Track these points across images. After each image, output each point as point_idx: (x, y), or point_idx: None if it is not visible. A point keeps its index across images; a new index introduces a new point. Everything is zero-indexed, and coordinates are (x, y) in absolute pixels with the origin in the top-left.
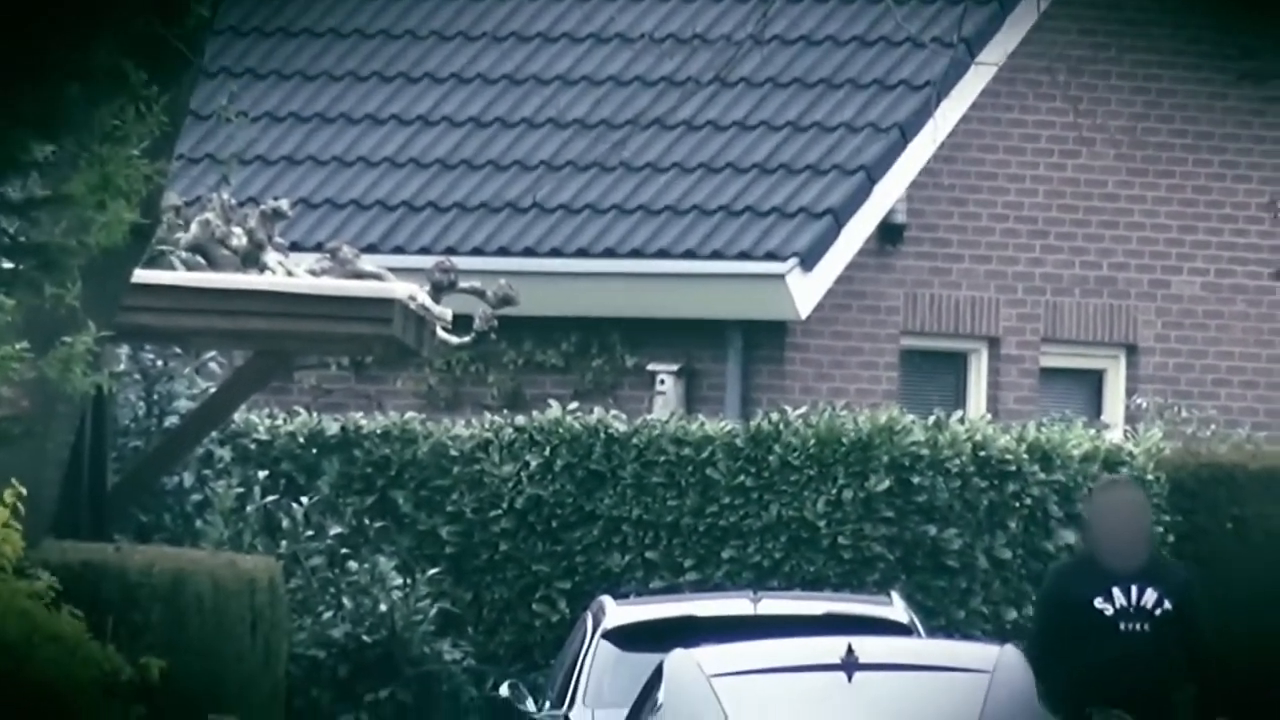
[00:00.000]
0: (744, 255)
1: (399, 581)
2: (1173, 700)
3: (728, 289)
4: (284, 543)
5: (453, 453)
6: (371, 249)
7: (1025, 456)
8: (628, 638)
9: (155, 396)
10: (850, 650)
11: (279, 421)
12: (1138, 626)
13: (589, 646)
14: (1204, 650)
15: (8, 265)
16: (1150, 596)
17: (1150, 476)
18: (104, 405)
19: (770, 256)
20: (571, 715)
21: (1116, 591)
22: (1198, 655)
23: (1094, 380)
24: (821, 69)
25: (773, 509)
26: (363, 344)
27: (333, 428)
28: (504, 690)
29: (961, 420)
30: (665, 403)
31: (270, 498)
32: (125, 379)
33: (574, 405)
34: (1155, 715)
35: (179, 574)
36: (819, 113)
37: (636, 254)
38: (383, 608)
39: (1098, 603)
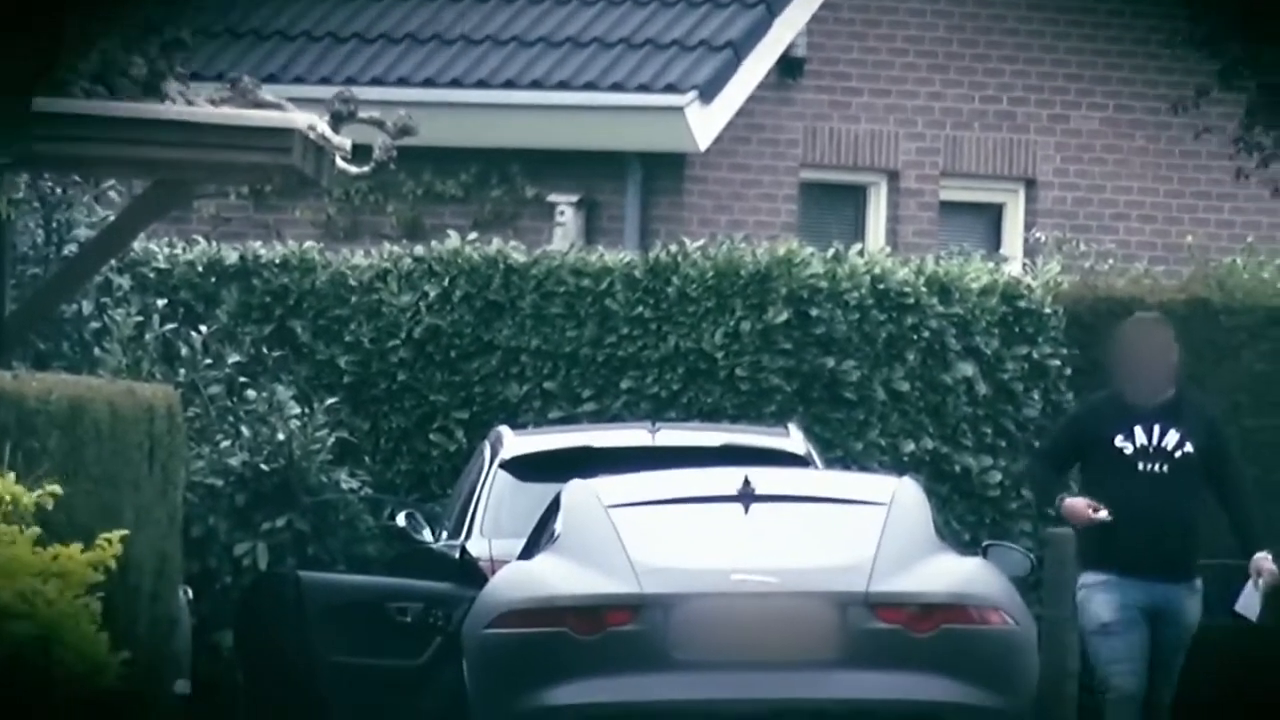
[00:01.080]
0: (644, 88)
1: (297, 410)
2: (1192, 555)
3: (627, 121)
4: (182, 371)
5: (351, 282)
6: (272, 79)
7: (924, 289)
8: (525, 468)
9: (54, 224)
10: (747, 482)
11: (178, 250)
12: (1156, 467)
13: (486, 477)
14: (1239, 497)
15: None
16: (1172, 438)
17: (1048, 310)
18: (2, 233)
19: (670, 89)
20: (468, 545)
21: (1139, 430)
22: (1230, 501)
23: (993, 214)
24: None
25: (671, 340)
26: (262, 173)
27: (231, 257)
28: (401, 520)
29: (860, 253)
30: (564, 234)
31: (169, 326)
32: (24, 207)
33: (473, 236)
34: (1170, 559)
35: (77, 401)
36: None
37: (537, 85)
38: (280, 436)
39: (1118, 440)
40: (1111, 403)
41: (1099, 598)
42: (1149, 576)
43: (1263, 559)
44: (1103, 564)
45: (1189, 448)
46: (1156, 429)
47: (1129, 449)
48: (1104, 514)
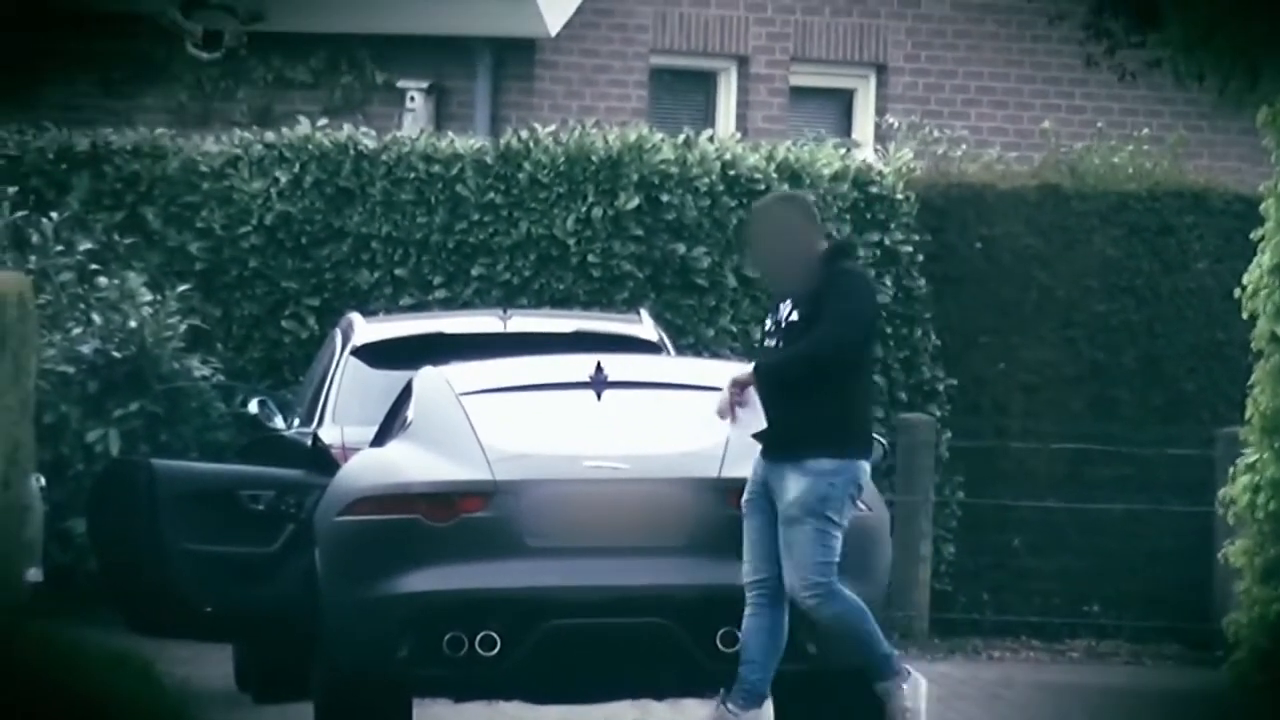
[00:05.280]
0: None
1: (148, 298)
2: (794, 432)
3: (477, 6)
4: (33, 258)
5: (202, 169)
6: None
7: (775, 175)
8: (377, 355)
9: None
10: (599, 368)
11: (28, 136)
12: (772, 343)
13: (338, 364)
14: (802, 347)
15: None
16: (794, 312)
17: (900, 196)
18: None
19: None
20: (320, 433)
21: (782, 308)
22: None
23: (844, 100)
24: None
25: (522, 226)
26: (112, 59)
27: (82, 144)
28: (253, 407)
29: (711, 139)
30: (415, 120)
31: (19, 213)
32: None
33: (323, 122)
34: (774, 436)
35: None
36: None
37: None
38: (132, 324)
39: (768, 321)
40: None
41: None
42: (765, 455)
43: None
44: None
45: (795, 315)
46: (785, 309)
47: (767, 325)
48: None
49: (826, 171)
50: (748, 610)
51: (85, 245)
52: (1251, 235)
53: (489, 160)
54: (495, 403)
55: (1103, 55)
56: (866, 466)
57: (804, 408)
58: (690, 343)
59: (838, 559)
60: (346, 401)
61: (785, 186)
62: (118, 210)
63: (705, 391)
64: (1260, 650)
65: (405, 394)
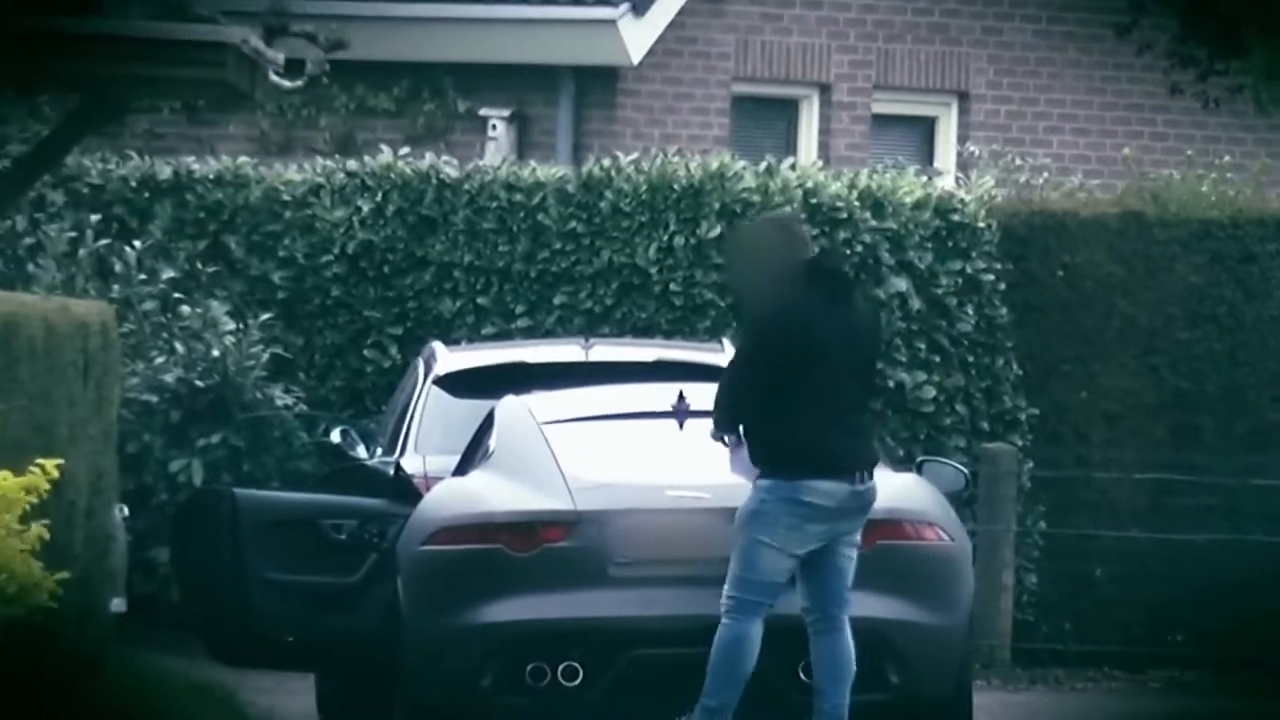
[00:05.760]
0: (576, 0)
1: (231, 326)
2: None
3: (560, 34)
4: (116, 287)
5: (285, 197)
6: None
7: (856, 204)
8: (459, 384)
9: None
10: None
11: (111, 165)
12: None
13: (420, 393)
14: None
15: None
16: None
17: (981, 224)
18: None
19: (602, 2)
20: (402, 462)
21: None
22: None
23: (926, 127)
24: None
25: (604, 255)
26: (195, 88)
27: (165, 172)
28: (335, 436)
29: (793, 167)
30: (497, 148)
31: (103, 241)
32: None
33: (405, 150)
34: None
35: (11, 318)
36: None
37: None
38: (215, 353)
39: None
40: None
41: None
42: None
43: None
44: None
45: None
46: None
47: None
48: None
49: (908, 199)
50: (810, 640)
51: (168, 274)
52: None
53: (571, 189)
54: (577, 432)
55: (1188, 82)
56: (814, 485)
57: (748, 433)
58: None
59: (766, 579)
60: (429, 431)
61: (868, 215)
62: (200, 239)
63: None
64: None
65: (487, 423)
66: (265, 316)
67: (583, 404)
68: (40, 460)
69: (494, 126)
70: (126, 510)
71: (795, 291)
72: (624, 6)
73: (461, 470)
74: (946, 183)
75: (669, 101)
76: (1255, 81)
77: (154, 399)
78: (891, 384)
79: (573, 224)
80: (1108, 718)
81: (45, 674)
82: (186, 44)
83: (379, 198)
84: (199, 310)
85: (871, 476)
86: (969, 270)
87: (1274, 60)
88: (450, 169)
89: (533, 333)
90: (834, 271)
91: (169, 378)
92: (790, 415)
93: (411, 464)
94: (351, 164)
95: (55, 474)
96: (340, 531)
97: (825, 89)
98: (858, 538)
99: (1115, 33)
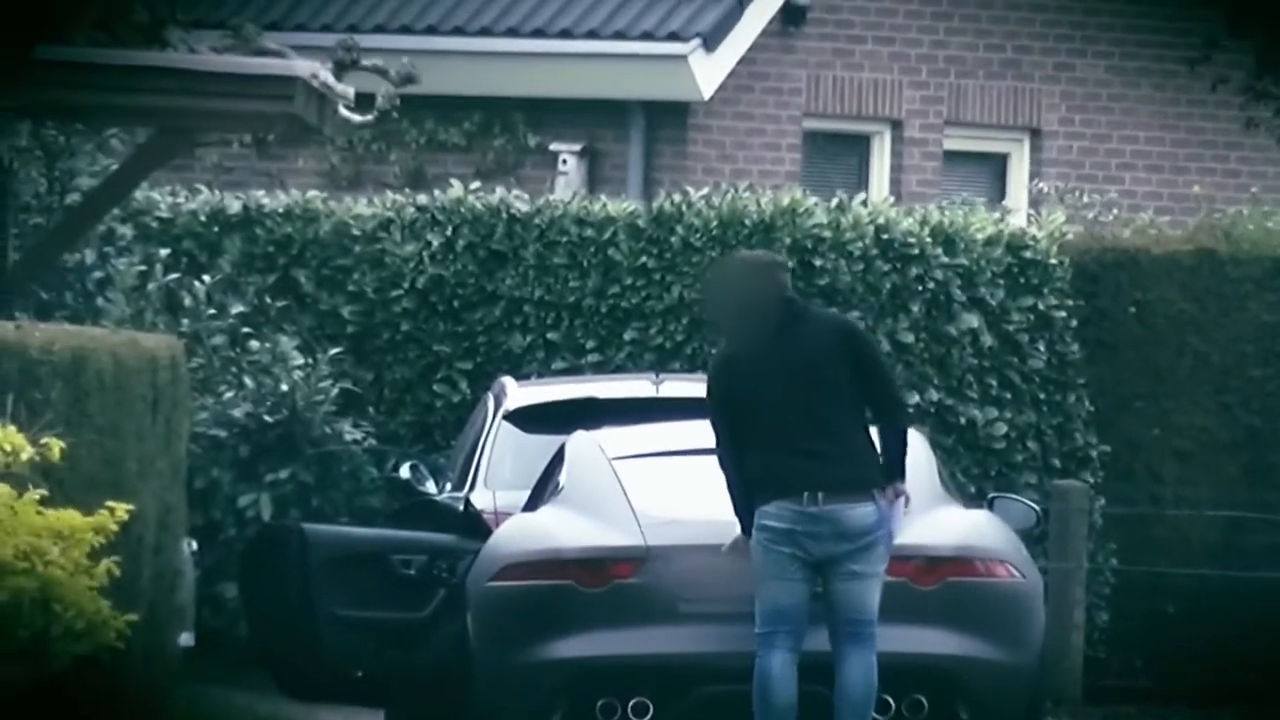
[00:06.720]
0: (647, 35)
1: (300, 361)
2: None
3: (630, 69)
4: (185, 321)
5: (354, 231)
6: (274, 26)
7: (928, 240)
8: (529, 419)
9: (57, 173)
10: None
11: (181, 199)
12: None
13: (490, 428)
14: None
15: None
16: None
17: (1053, 261)
18: (5, 181)
19: (673, 37)
20: (472, 497)
21: None
22: None
23: (997, 164)
24: None
25: (675, 290)
26: (264, 121)
27: (234, 205)
28: (405, 471)
29: (864, 203)
30: (567, 183)
31: (172, 275)
32: (26, 156)
33: (476, 185)
34: None
35: (80, 352)
36: None
37: (540, 34)
38: (284, 387)
39: None
40: None
41: None
42: None
43: None
44: None
45: None
46: None
47: None
48: None
49: (980, 236)
50: None
51: (237, 308)
52: None
53: (641, 223)
54: (648, 468)
55: (1265, 118)
56: (765, 509)
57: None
58: None
59: (768, 607)
60: (498, 466)
61: (940, 252)
62: (270, 273)
63: None
64: None
65: (558, 459)
66: (334, 351)
67: (653, 440)
68: (110, 503)
69: (564, 161)
70: (195, 545)
71: (734, 333)
72: (695, 41)
73: (531, 506)
74: (1018, 220)
75: (740, 137)
76: None
77: (222, 434)
78: (963, 421)
79: (643, 259)
80: None
81: (113, 711)
82: (255, 78)
83: (449, 232)
84: (268, 345)
85: (840, 496)
86: (1041, 307)
87: None
88: (520, 204)
89: (603, 368)
90: (776, 303)
91: (238, 412)
92: (748, 450)
93: (481, 499)
94: (422, 198)
95: (124, 516)
96: (409, 567)
97: (897, 125)
98: (858, 566)
99: (1188, 66)
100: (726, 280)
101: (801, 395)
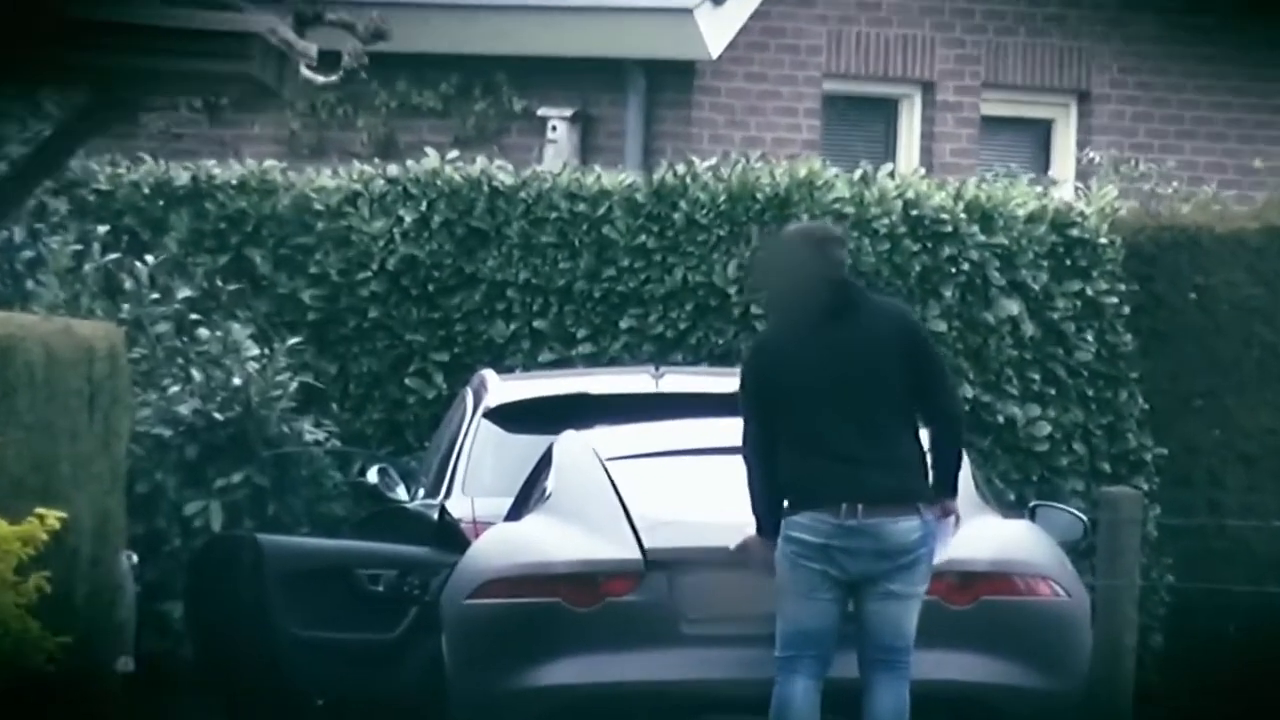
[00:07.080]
0: None
1: (255, 351)
2: None
3: (629, 25)
4: (126, 307)
5: (317, 206)
6: None
7: (963, 216)
8: (513, 417)
9: None
10: None
11: (122, 170)
12: None
13: (469, 427)
14: None
15: None
16: None
17: (1103, 240)
18: None
19: None
20: (448, 505)
21: None
22: None
23: (1042, 131)
24: None
25: (677, 273)
26: (217, 82)
27: (182, 177)
28: (372, 476)
29: (891, 175)
30: (557, 152)
31: (111, 256)
32: None
33: (454, 154)
34: None
35: (7, 341)
36: None
37: None
38: (236, 381)
39: None
40: None
41: None
42: None
43: None
44: None
45: None
46: None
47: None
48: None
49: (1021, 212)
50: None
51: (184, 292)
52: None
53: (640, 198)
54: (646, 471)
55: None
56: (796, 520)
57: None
58: None
59: (791, 629)
60: (478, 469)
61: (975, 230)
62: (221, 253)
63: None
64: None
65: (544, 461)
66: (294, 340)
67: (652, 440)
68: (40, 510)
69: (554, 128)
70: (135, 558)
71: (779, 318)
72: None
73: (515, 514)
74: (1064, 193)
75: (752, 100)
76: None
77: (167, 433)
78: (1001, 419)
79: (642, 238)
80: None
81: None
82: (207, 34)
83: (423, 207)
84: (219, 333)
85: (881, 508)
86: (1089, 292)
87: None
88: (504, 175)
89: (596, 360)
90: (829, 285)
91: (184, 409)
92: (780, 449)
93: (458, 507)
94: (393, 169)
95: (56, 525)
96: (377, 582)
97: (928, 87)
98: (896, 586)
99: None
100: (773, 255)
101: (848, 393)
